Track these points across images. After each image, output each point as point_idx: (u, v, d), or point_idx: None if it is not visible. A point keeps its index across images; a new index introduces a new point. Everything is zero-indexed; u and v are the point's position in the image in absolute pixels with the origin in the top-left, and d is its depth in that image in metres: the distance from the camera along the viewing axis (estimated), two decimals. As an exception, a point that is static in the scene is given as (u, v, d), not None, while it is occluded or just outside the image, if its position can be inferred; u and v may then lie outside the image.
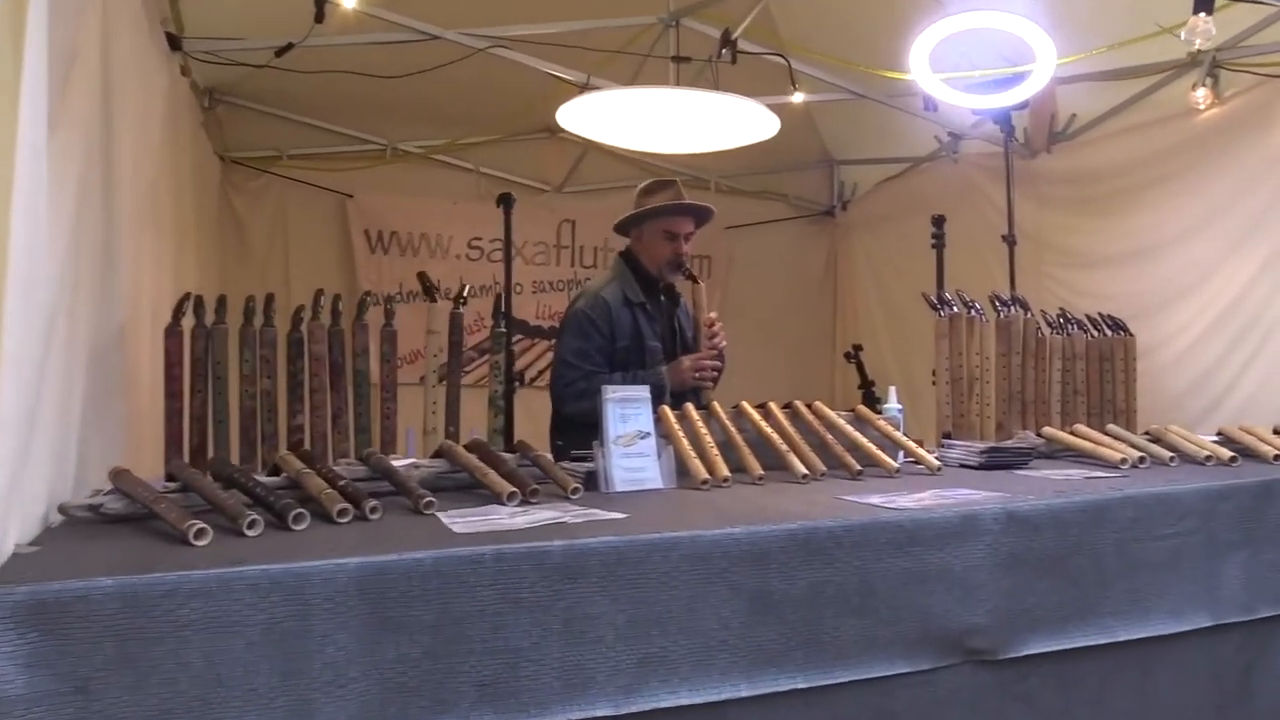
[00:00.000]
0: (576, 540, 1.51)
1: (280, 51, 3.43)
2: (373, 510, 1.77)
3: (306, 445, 2.53)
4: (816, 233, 6.68)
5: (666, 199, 3.19)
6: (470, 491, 2.08)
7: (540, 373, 5.47)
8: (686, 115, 3.68)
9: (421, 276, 2.73)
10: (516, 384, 2.99)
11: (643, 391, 2.27)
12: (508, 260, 3.22)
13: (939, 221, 3.45)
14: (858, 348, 5.93)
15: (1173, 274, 4.14)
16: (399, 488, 1.96)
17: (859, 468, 2.42)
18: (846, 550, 1.68)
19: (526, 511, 1.84)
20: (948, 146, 5.26)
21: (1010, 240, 4.10)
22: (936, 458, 2.73)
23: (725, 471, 2.26)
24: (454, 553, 1.41)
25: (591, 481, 2.20)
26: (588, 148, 5.57)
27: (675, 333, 3.27)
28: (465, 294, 2.73)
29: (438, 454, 2.29)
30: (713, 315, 3.20)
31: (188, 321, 2.44)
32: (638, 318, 3.16)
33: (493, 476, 2.02)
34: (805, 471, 2.34)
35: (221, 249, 5.01)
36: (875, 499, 1.96)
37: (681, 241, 3.20)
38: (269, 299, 2.53)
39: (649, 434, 2.25)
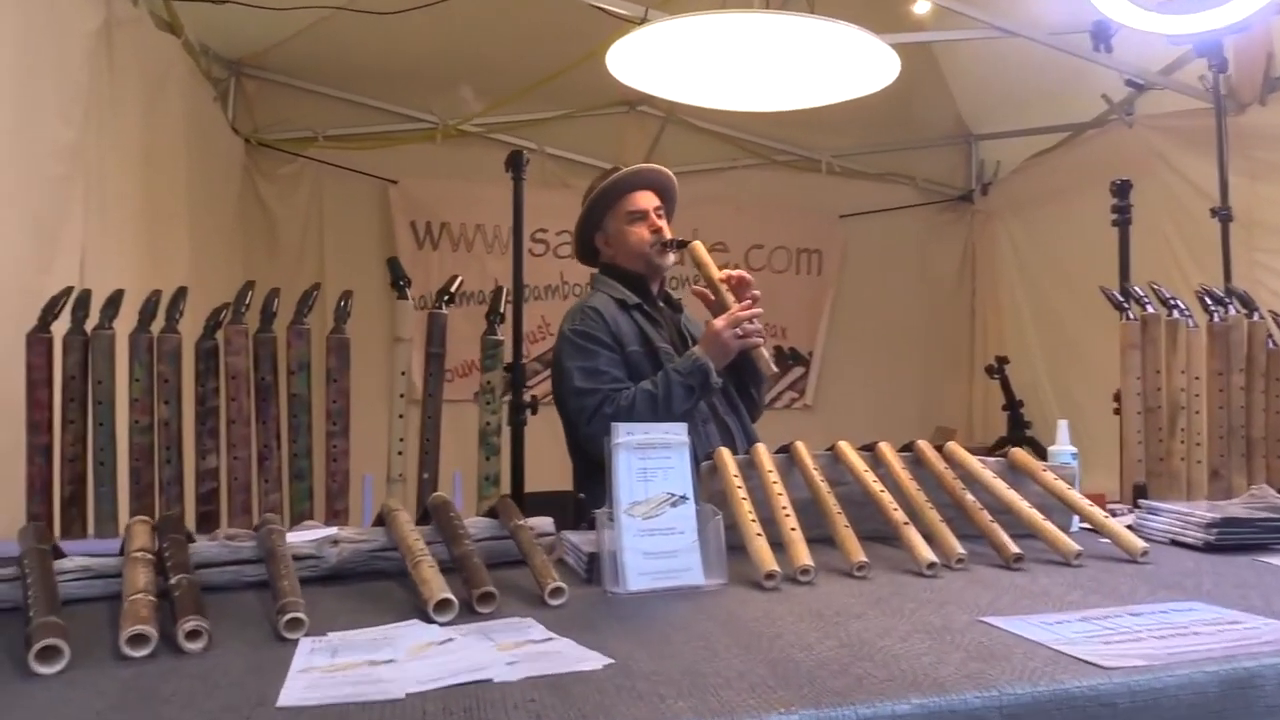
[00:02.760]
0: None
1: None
2: (190, 635, 1.12)
3: (223, 496, 1.90)
4: (951, 221, 5.78)
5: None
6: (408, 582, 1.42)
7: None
8: (778, 58, 2.93)
9: (391, 263, 2.07)
10: (529, 411, 2.29)
11: (674, 433, 1.54)
12: (517, 244, 2.53)
13: (1123, 190, 2.60)
14: (1002, 360, 5.06)
15: None
16: (273, 588, 1.30)
17: (1017, 551, 1.65)
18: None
19: (448, 641, 1.16)
20: (1120, 106, 4.33)
21: (1223, 215, 3.17)
22: (1132, 526, 1.92)
23: (805, 558, 1.53)
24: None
25: (596, 568, 1.51)
26: (667, 121, 4.87)
27: (685, 339, 2.58)
28: (457, 284, 2.06)
29: (379, 520, 1.63)
30: (725, 270, 2.49)
31: (61, 325, 1.85)
32: (638, 320, 2.52)
33: (425, 570, 1.33)
34: (932, 559, 1.58)
35: (247, 245, 4.51)
36: (1051, 627, 1.19)
37: (653, 216, 2.57)
38: (177, 295, 1.91)
39: (685, 498, 1.52)
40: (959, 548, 1.64)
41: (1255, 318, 2.52)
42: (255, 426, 1.90)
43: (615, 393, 2.35)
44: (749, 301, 2.42)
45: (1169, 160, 4.03)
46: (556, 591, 1.36)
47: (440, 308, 2.01)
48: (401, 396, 1.94)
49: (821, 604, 1.37)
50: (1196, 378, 2.43)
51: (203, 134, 3.76)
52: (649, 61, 2.94)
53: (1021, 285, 5.29)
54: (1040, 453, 5.01)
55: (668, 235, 2.57)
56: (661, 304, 2.63)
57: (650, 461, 1.51)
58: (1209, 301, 2.52)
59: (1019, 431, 5.05)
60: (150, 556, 1.35)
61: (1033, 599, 1.39)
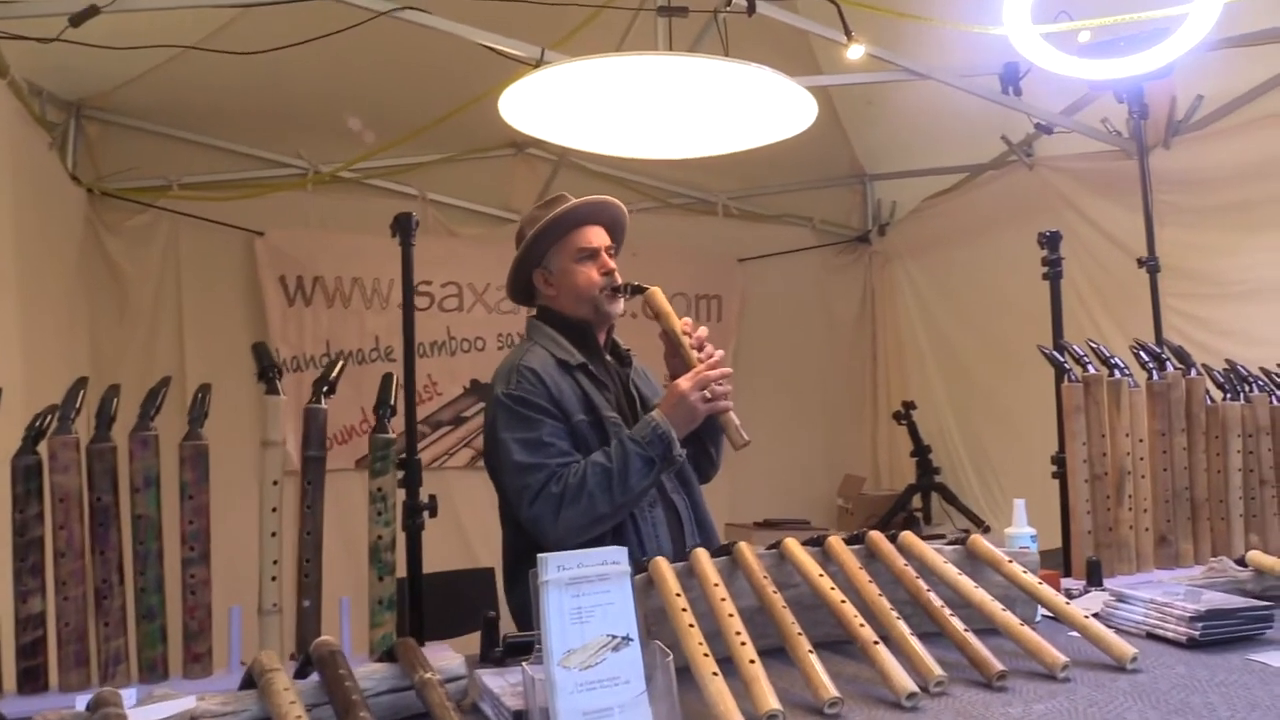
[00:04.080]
0: None
1: (78, 19, 2.48)
2: None
3: (51, 648, 1.57)
4: (850, 264, 5.75)
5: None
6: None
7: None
8: (683, 102, 2.76)
9: (257, 350, 1.77)
10: (426, 514, 2.01)
11: (611, 561, 1.31)
12: (408, 315, 2.26)
13: (1053, 241, 2.49)
14: (909, 405, 5.02)
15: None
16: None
17: (1000, 668, 1.47)
18: None
19: None
20: (1020, 147, 4.33)
21: (1151, 265, 3.13)
22: (1099, 614, 1.79)
23: (770, 701, 1.31)
24: None
25: (524, 729, 1.27)
26: (559, 165, 4.67)
27: (634, 401, 2.34)
28: (336, 373, 1.78)
29: (248, 680, 1.34)
30: (687, 320, 2.26)
31: None
32: (582, 383, 2.24)
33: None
34: (912, 689, 1.39)
35: (91, 310, 4.08)
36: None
37: (604, 255, 2.32)
38: (-11, 399, 1.58)
39: (628, 639, 1.28)
40: (936, 669, 1.45)
41: (1192, 374, 2.45)
42: (91, 559, 1.57)
43: (563, 468, 2.08)
44: (716, 358, 2.19)
45: (1073, 203, 4.03)
46: (480, 781, 1.11)
47: (318, 401, 1.73)
48: (274, 511, 1.65)
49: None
50: (1141, 440, 2.33)
51: (34, 186, 3.35)
52: (543, 105, 2.72)
53: (924, 328, 5.27)
54: (950, 498, 4.97)
55: (618, 280, 2.31)
56: (608, 357, 2.36)
57: (586, 599, 1.27)
58: (1145, 358, 2.44)
59: (928, 478, 5.01)
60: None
61: (1039, 745, 1.21)
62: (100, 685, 1.56)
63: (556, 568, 1.26)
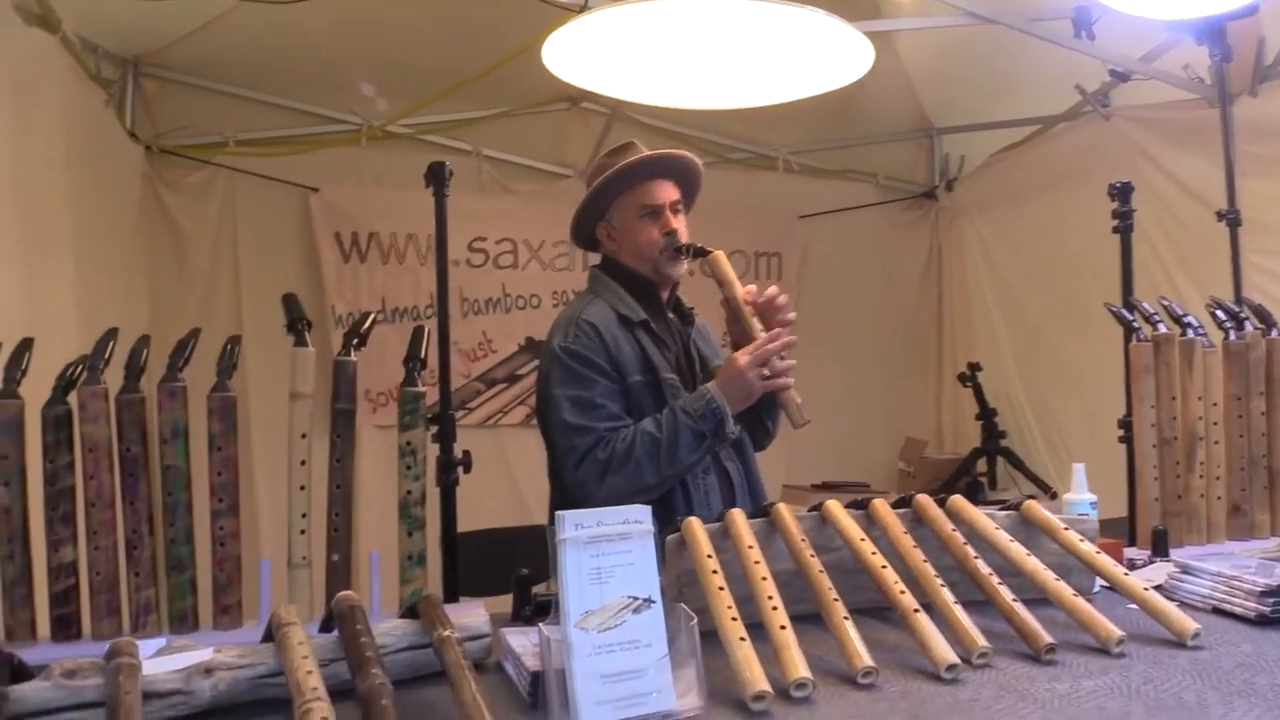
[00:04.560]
0: None
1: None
2: None
3: (84, 596, 1.58)
4: (915, 220, 5.57)
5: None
6: None
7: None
8: (736, 50, 2.67)
9: (287, 301, 1.75)
10: (461, 470, 1.98)
11: (634, 520, 1.26)
12: (441, 268, 2.20)
13: (1124, 192, 2.36)
14: (975, 367, 4.88)
15: None
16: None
17: (1049, 641, 1.40)
18: None
19: None
20: (1095, 97, 4.13)
21: (1231, 218, 2.96)
22: (1162, 586, 1.70)
23: (800, 669, 1.26)
24: None
25: (541, 690, 1.23)
26: (613, 118, 4.59)
27: (694, 362, 2.27)
28: (368, 324, 1.75)
29: (269, 633, 1.33)
30: (751, 288, 2.18)
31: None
32: (642, 341, 2.18)
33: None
34: (952, 660, 1.32)
35: (151, 268, 4.13)
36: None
37: (668, 214, 2.22)
38: (20, 348, 1.58)
39: (650, 601, 1.24)
40: (980, 639, 1.38)
41: (1273, 334, 2.30)
42: (121, 508, 1.58)
43: (612, 432, 2.04)
44: (779, 329, 2.10)
45: (1150, 155, 3.83)
46: (488, 740, 1.07)
47: (348, 353, 1.70)
48: (303, 464, 1.63)
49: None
50: (1215, 404, 2.21)
51: (90, 143, 3.39)
52: (590, 55, 2.65)
53: (992, 287, 5.10)
54: (1016, 463, 4.83)
55: (683, 239, 2.22)
56: (670, 314, 2.29)
57: (606, 559, 1.23)
58: (1222, 317, 2.30)
59: (993, 442, 4.87)
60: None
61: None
62: (131, 635, 1.57)
63: (574, 525, 1.21)
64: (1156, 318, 2.20)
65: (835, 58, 2.66)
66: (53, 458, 1.55)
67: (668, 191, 2.23)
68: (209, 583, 1.61)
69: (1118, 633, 1.41)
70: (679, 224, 2.24)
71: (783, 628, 1.32)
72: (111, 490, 1.56)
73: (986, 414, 4.88)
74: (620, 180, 2.21)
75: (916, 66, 4.84)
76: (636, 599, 1.23)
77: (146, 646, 1.31)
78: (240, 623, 1.63)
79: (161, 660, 1.25)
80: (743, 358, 2.06)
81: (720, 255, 2.16)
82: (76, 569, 1.57)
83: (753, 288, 2.17)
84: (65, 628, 1.56)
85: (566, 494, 2.14)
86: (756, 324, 2.11)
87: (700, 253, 2.19)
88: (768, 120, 4.76)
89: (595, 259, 2.39)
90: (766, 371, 2.06)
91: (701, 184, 2.33)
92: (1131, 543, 2.20)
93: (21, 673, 1.20)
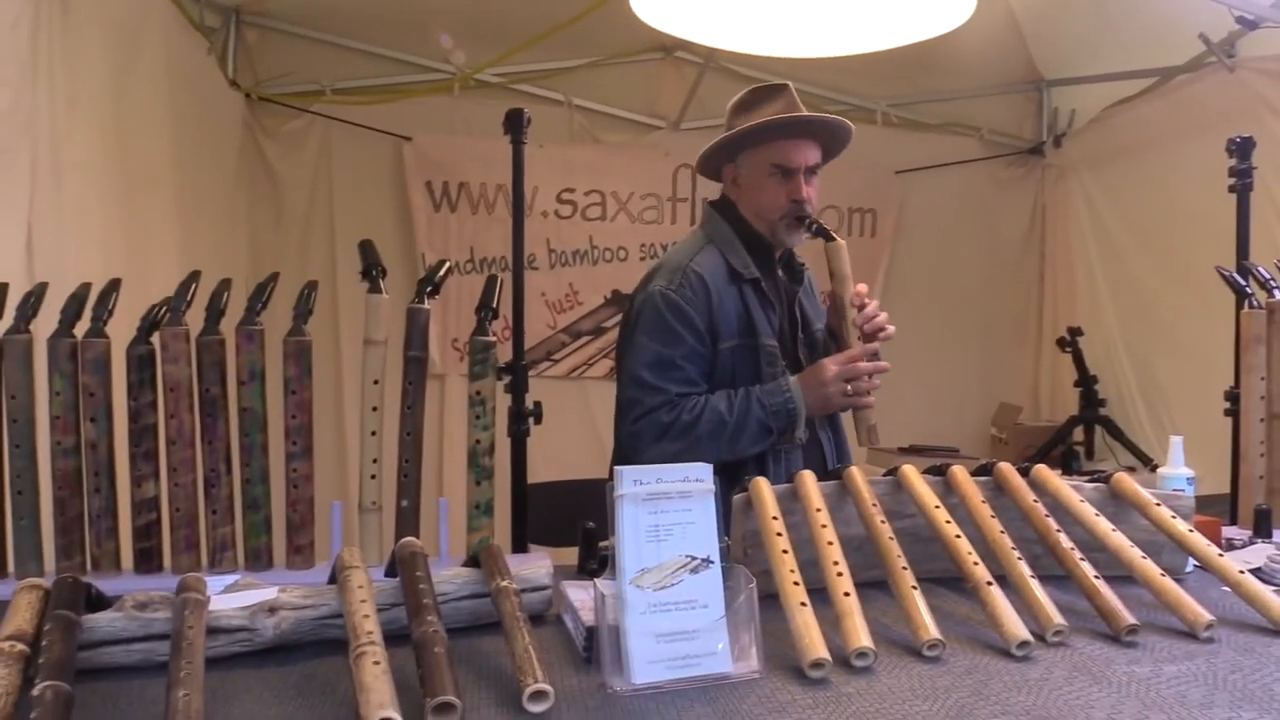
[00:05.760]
0: None
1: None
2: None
3: (164, 530, 1.63)
4: (1020, 177, 5.35)
5: (774, 113, 2.10)
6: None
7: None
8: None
9: (363, 247, 1.76)
10: (532, 421, 1.97)
11: (695, 478, 1.23)
12: (518, 218, 2.18)
13: (1243, 148, 2.21)
14: (1075, 332, 4.69)
15: None
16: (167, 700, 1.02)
17: (1131, 622, 1.33)
18: None
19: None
20: (1220, 47, 3.88)
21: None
22: (1261, 570, 1.60)
23: (862, 638, 1.22)
24: None
25: (596, 646, 1.22)
26: (706, 67, 4.49)
27: (797, 325, 2.20)
28: (442, 273, 1.75)
29: (333, 576, 1.35)
30: (861, 288, 2.10)
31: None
32: (749, 303, 2.10)
33: (366, 672, 1.05)
34: (1024, 638, 1.27)
35: (250, 211, 4.24)
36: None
37: (801, 180, 2.10)
38: (109, 289, 1.63)
39: (709, 561, 1.21)
40: (1056, 616, 1.32)
41: (1404, 304, 2.14)
42: (200, 447, 1.62)
43: (682, 398, 2.00)
44: (876, 346, 2.05)
45: (1278, 109, 3.58)
46: (538, 696, 1.07)
47: (421, 301, 1.71)
48: (375, 410, 1.64)
49: (881, 707, 1.07)
50: (1333, 377, 2.06)
51: (192, 90, 3.47)
52: (684, 2, 2.58)
53: (1098, 249, 4.86)
54: (1115, 433, 4.64)
55: (810, 209, 2.12)
56: (780, 272, 2.20)
57: (664, 516, 1.21)
58: (1347, 284, 2.14)
59: (1092, 410, 4.69)
60: (21, 648, 1.07)
61: (1165, 711, 1.07)
62: (209, 570, 1.62)
63: (633, 482, 1.20)
64: (1273, 283, 2.06)
65: (936, 3, 2.54)
66: (136, 396, 1.59)
67: (806, 154, 2.12)
68: (283, 523, 1.65)
69: (1206, 616, 1.33)
70: (810, 191, 2.13)
71: (846, 594, 1.29)
72: (191, 429, 1.60)
73: (1086, 381, 4.69)
74: (760, 132, 2.10)
75: (1026, 14, 4.61)
76: (695, 559, 1.21)
77: (216, 583, 1.34)
78: (312, 563, 1.66)
79: (229, 597, 1.28)
80: (832, 367, 2.02)
81: (842, 246, 2.07)
82: (158, 504, 1.62)
83: (863, 286, 2.11)
84: (147, 561, 1.62)
85: (619, 448, 2.12)
86: (855, 333, 2.07)
87: (823, 233, 2.10)
88: (867, 72, 4.62)
89: (707, 189, 2.27)
90: (849, 389, 2.02)
91: (844, 148, 2.22)
92: (1232, 521, 2.09)
93: (100, 602, 1.24)
